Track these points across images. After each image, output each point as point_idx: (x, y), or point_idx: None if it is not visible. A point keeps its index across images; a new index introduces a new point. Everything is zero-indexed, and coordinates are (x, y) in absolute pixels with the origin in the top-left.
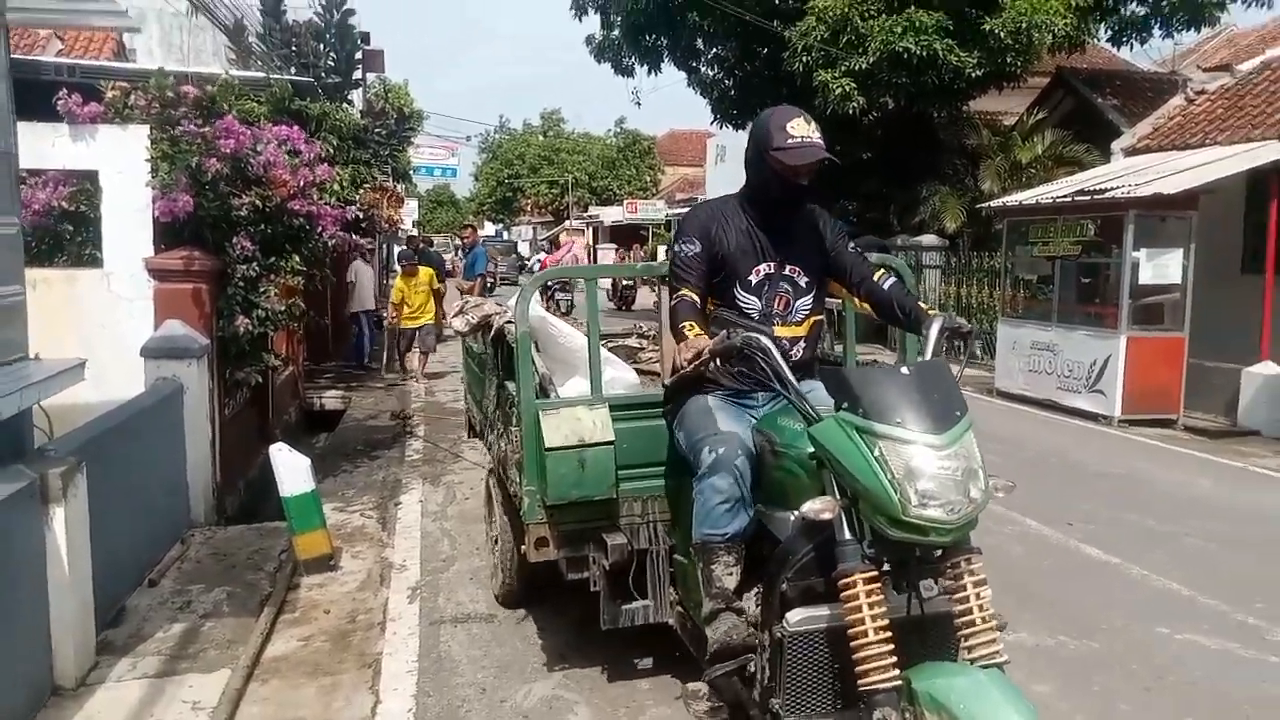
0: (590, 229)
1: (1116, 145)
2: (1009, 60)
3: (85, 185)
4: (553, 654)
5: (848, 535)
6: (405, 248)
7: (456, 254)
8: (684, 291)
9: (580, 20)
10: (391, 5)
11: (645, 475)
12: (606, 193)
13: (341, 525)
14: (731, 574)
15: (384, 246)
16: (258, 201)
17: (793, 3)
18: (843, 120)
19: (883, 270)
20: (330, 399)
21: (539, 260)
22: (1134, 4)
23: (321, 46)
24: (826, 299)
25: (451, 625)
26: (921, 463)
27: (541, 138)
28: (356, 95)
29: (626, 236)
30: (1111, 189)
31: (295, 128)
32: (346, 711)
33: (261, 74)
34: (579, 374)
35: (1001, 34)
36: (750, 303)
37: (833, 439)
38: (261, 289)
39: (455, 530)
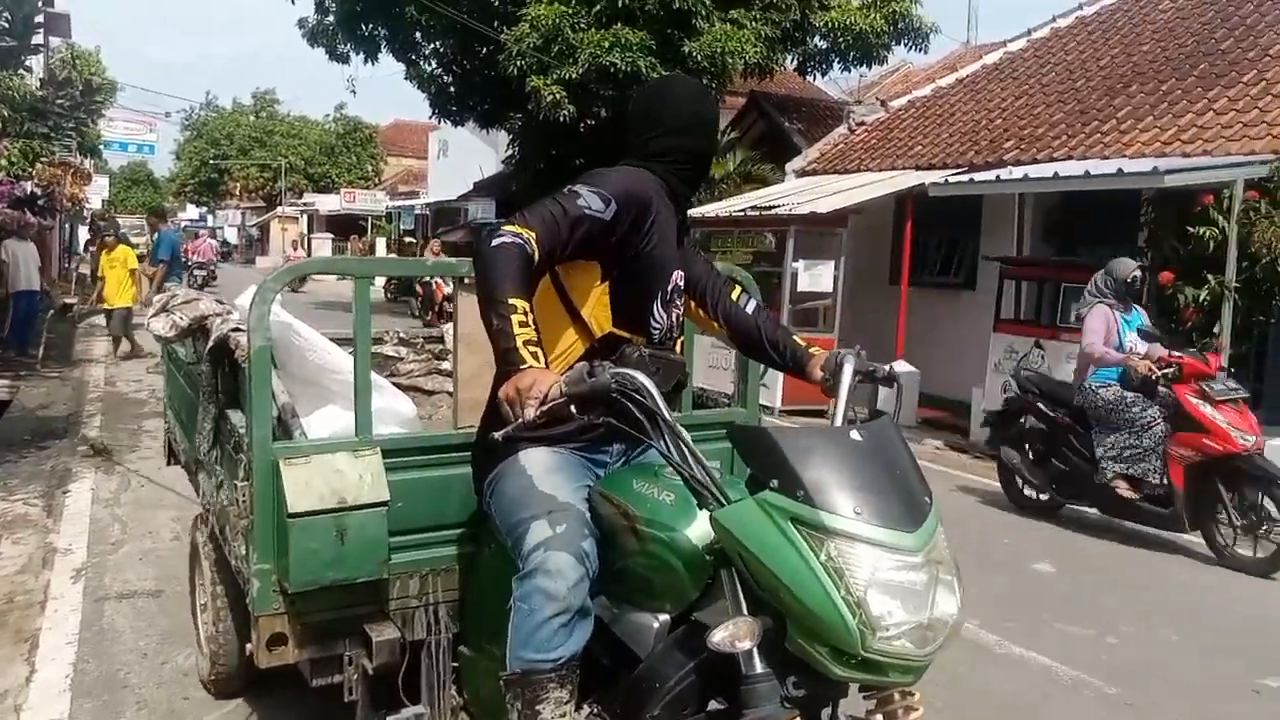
0: (305, 217)
1: (789, 167)
2: (706, 82)
3: None
4: None
5: (760, 668)
6: (102, 222)
7: (150, 237)
8: (528, 234)
9: (294, 2)
10: None
11: (427, 543)
12: (325, 180)
13: (2, 514)
14: (564, 714)
15: (68, 226)
16: None
17: (509, 7)
18: (557, 126)
19: (739, 288)
20: None
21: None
22: (817, 38)
23: None
24: None
25: (116, 601)
26: (889, 573)
27: (253, 118)
28: (37, 62)
29: (344, 227)
30: (777, 206)
31: None
32: (1, 683)
33: None
34: (333, 402)
35: (699, 57)
36: (660, 321)
37: (754, 532)
38: None
39: (128, 515)
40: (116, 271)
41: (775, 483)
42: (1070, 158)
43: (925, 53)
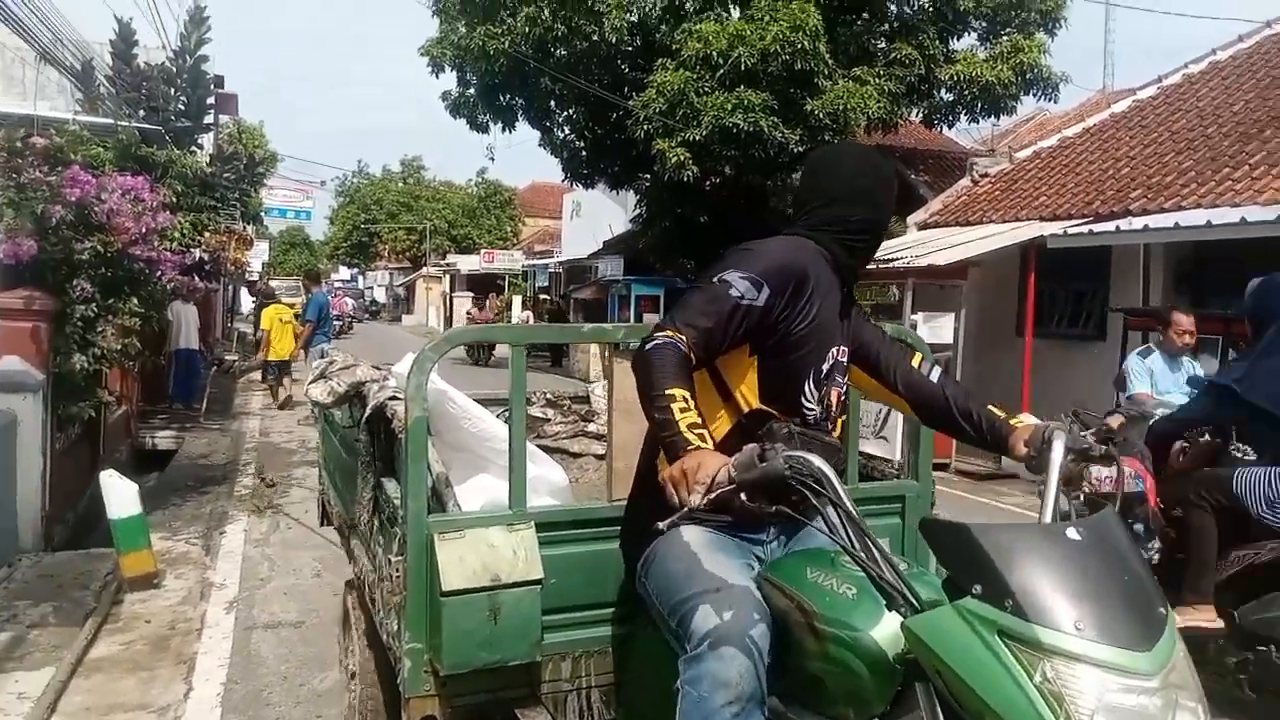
0: (448, 277)
1: (911, 219)
2: (827, 138)
3: None
4: None
5: None
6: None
7: (305, 297)
8: (679, 338)
9: (437, 77)
10: (251, 47)
11: (581, 623)
12: (467, 241)
13: (167, 551)
14: None
15: (230, 287)
16: (99, 247)
17: (638, 74)
18: (682, 186)
19: (920, 355)
20: (163, 438)
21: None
22: (943, 91)
23: (172, 91)
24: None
25: (262, 630)
26: (1120, 698)
27: (401, 184)
28: (208, 139)
29: (484, 285)
30: (896, 259)
31: (140, 178)
32: (162, 698)
33: (109, 120)
34: (486, 470)
35: (821, 114)
36: (813, 400)
37: (954, 645)
38: (99, 329)
39: (276, 555)
40: (270, 328)
41: (978, 589)
42: (1199, 206)
43: (1055, 102)
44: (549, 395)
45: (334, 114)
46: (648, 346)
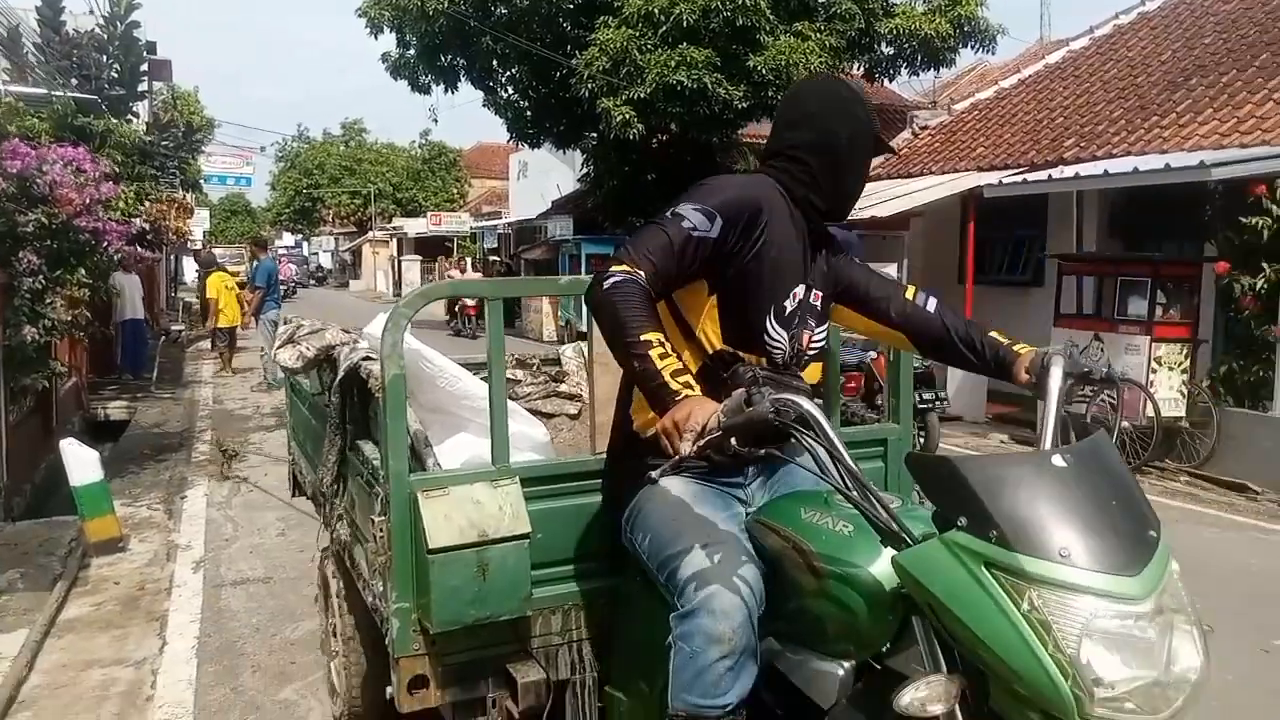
0: (395, 240)
1: None
2: (771, 94)
3: None
4: None
5: None
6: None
7: (249, 265)
8: (633, 270)
9: (376, 38)
10: (186, 11)
11: (568, 576)
12: (412, 204)
13: (129, 517)
14: None
15: (173, 257)
16: (44, 219)
17: (580, 33)
18: (628, 144)
19: (914, 287)
20: (115, 409)
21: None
22: (884, 45)
23: (105, 58)
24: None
25: (231, 587)
26: (1108, 624)
27: (343, 148)
28: (143, 106)
29: (432, 249)
30: None
31: (81, 148)
32: (137, 653)
33: (43, 91)
34: (466, 429)
35: (764, 70)
36: (779, 340)
37: (942, 578)
38: (48, 300)
39: (239, 517)
40: (218, 295)
41: (963, 520)
42: (1129, 154)
43: (993, 54)
44: (518, 357)
45: (273, 79)
46: (606, 284)
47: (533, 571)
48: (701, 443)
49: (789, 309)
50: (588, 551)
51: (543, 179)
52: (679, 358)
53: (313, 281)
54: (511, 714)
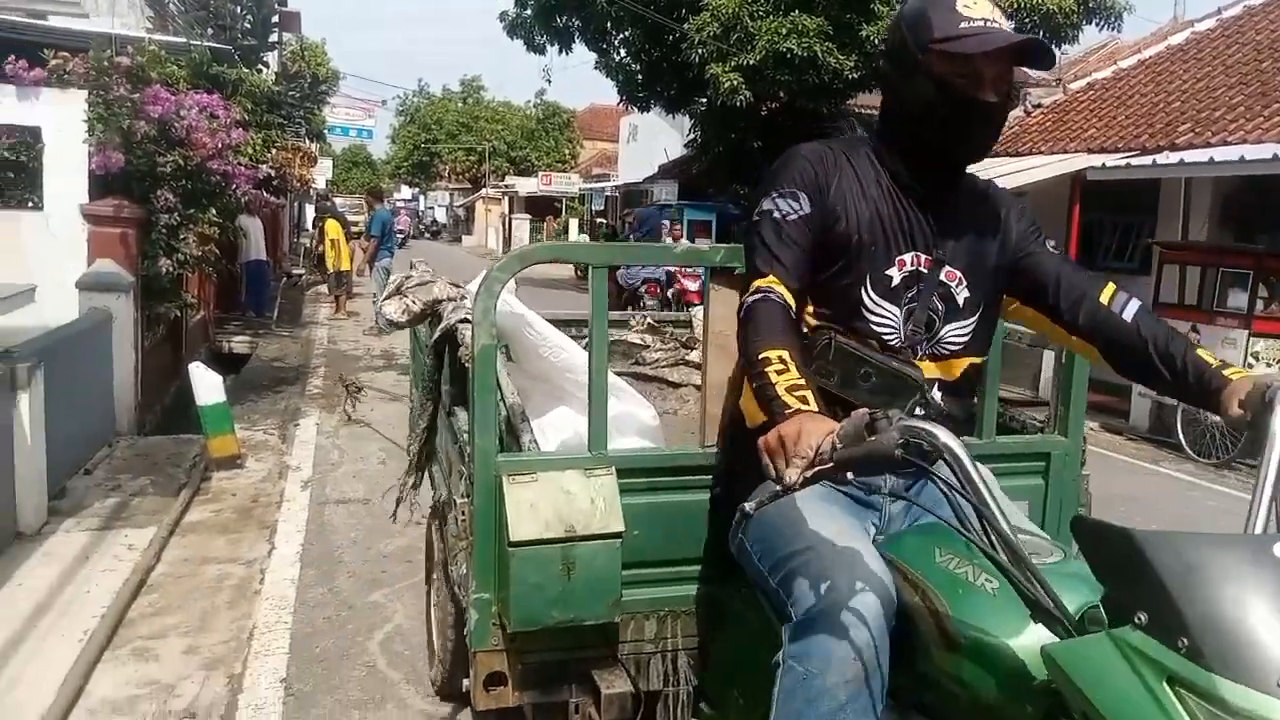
0: (506, 199)
1: None
2: (882, 64)
3: (26, 139)
4: None
5: None
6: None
7: (367, 215)
8: (769, 283)
9: None
10: None
11: (665, 579)
12: (525, 163)
13: (247, 439)
14: None
15: (296, 204)
16: (180, 160)
17: None
18: (735, 111)
19: (1114, 286)
20: (238, 343)
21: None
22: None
23: (238, 9)
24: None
25: (334, 505)
26: None
27: (461, 104)
28: (272, 56)
29: (541, 208)
30: None
31: (215, 95)
32: (249, 554)
33: (181, 40)
34: (567, 403)
35: (876, 40)
36: (885, 316)
37: (1105, 685)
38: (181, 236)
39: (345, 445)
40: (338, 238)
41: (1142, 618)
42: (1245, 141)
43: (1120, 31)
44: (651, 320)
45: (395, 31)
46: (743, 309)
47: (626, 571)
48: (810, 473)
49: (894, 279)
50: (691, 554)
51: (652, 142)
52: (801, 372)
53: (427, 235)
54: None
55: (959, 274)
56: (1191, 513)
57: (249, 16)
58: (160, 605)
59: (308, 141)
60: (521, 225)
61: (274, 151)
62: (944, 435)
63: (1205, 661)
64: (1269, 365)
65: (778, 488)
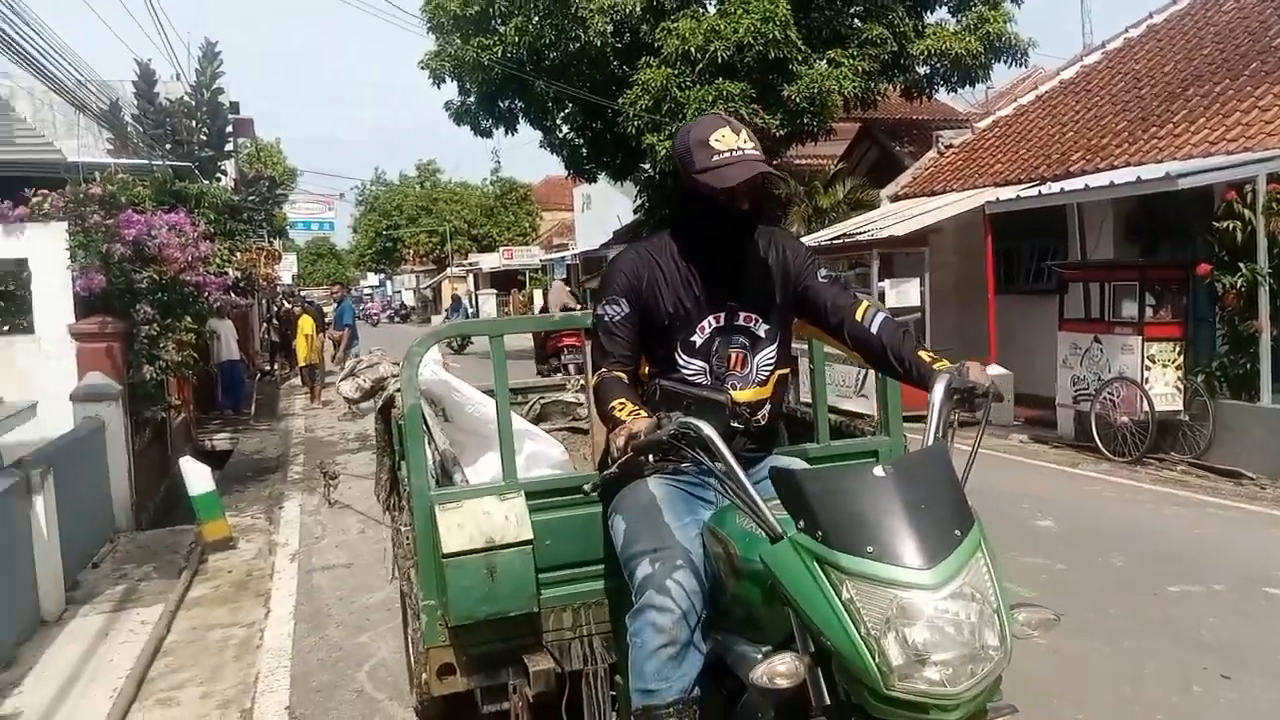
0: (471, 276)
1: (883, 193)
2: (806, 121)
3: (14, 270)
4: None
5: (826, 699)
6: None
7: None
8: (610, 370)
9: (439, 88)
10: (261, 66)
11: (576, 578)
12: (487, 239)
13: (237, 524)
14: None
15: (263, 301)
16: (155, 275)
17: (628, 71)
18: (674, 176)
19: (866, 304)
20: (220, 440)
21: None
22: (919, 66)
23: (194, 123)
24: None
25: (320, 572)
26: (908, 609)
27: (419, 188)
28: (229, 163)
29: (506, 282)
30: (861, 233)
31: (183, 214)
32: (248, 618)
33: (144, 161)
34: (494, 449)
35: (798, 98)
36: (694, 366)
37: (789, 571)
38: (161, 344)
39: (327, 520)
40: (301, 336)
41: (801, 523)
42: (1129, 164)
43: (1025, 67)
44: (584, 381)
45: (347, 123)
46: (594, 387)
47: (543, 574)
48: (621, 460)
49: (698, 342)
50: (595, 556)
51: (605, 210)
52: (635, 402)
53: (397, 319)
54: (529, 699)
55: (755, 315)
56: (1089, 505)
57: (205, 129)
58: (175, 665)
59: (270, 240)
60: (488, 299)
61: (239, 255)
62: (707, 429)
63: (829, 543)
64: (1165, 366)
65: (614, 468)
